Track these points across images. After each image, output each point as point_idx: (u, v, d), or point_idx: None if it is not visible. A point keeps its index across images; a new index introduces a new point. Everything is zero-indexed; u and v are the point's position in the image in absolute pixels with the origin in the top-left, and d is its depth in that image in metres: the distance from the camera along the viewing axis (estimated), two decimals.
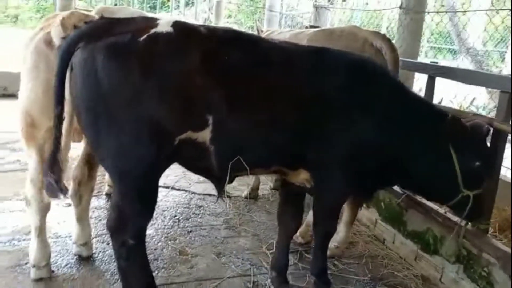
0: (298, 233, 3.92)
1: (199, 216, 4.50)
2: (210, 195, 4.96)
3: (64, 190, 2.58)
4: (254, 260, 3.80)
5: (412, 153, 2.95)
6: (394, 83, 3.08)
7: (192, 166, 2.88)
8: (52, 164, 2.54)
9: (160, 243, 3.90)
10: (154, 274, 3.40)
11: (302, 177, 2.99)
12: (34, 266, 3.14)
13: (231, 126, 2.60)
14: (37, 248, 3.13)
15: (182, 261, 3.67)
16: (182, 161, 2.77)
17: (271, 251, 3.91)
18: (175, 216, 4.44)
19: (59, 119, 2.50)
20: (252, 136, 2.68)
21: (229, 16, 16.62)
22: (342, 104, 2.80)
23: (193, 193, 5.03)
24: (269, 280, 3.45)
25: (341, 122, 2.80)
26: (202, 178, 3.06)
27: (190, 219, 4.41)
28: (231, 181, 2.82)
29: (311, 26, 5.77)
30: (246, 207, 4.82)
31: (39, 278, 3.15)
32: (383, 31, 9.26)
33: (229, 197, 4.99)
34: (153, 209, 2.70)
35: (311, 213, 3.70)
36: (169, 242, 3.94)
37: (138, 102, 2.40)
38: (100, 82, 2.39)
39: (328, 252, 3.91)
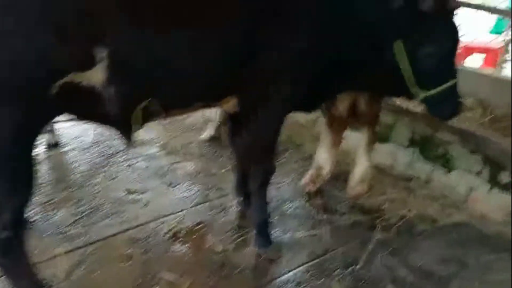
0: (307, 180, 3.43)
1: (132, 147, 3.98)
2: None
3: None
4: (210, 182, 3.49)
5: (355, 51, 2.40)
6: None
7: (84, 115, 2.16)
8: None
9: (98, 186, 3.38)
10: (105, 222, 2.99)
11: (229, 104, 2.47)
12: None
13: (138, 56, 1.90)
14: None
15: (132, 201, 3.23)
16: (69, 111, 2.08)
17: (223, 170, 3.63)
18: (105, 152, 3.86)
19: None
20: (171, 67, 2.02)
21: None
22: (272, 6, 2.20)
23: None
24: (235, 202, 3.20)
25: (274, 28, 2.20)
26: None
27: (121, 152, 3.87)
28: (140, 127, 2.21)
29: None
30: (179, 128, 4.35)
31: None
32: None
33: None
34: (31, 186, 2.02)
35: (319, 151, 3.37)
36: (110, 182, 3.44)
37: None
38: None
39: (352, 192, 3.44)
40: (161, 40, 1.94)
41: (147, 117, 2.12)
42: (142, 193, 3.33)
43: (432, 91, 2.41)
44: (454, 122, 3.29)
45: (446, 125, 3.27)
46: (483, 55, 5.33)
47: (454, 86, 2.45)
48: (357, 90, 2.84)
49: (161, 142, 4.04)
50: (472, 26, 5.20)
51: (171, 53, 1.98)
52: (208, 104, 2.47)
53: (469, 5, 3.14)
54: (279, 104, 2.41)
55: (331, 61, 2.38)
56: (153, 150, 3.94)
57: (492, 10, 3.22)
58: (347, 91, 2.83)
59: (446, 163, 3.38)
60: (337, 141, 3.32)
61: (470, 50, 5.32)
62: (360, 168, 3.35)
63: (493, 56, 5.24)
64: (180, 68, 2.04)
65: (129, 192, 3.33)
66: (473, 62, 5.35)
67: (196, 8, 1.99)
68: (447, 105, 2.49)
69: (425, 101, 2.49)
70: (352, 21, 2.32)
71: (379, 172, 3.75)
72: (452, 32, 2.38)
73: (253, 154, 2.63)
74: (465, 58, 5.35)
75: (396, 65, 2.36)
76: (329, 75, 2.44)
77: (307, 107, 2.75)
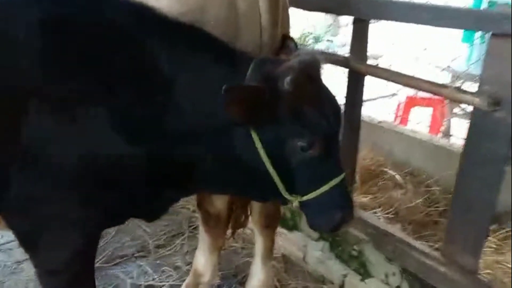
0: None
1: None
2: None
3: None
4: None
5: (192, 147, 1.68)
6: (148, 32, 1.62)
7: None
8: None
9: None
10: None
11: None
12: None
13: None
14: None
15: None
16: None
17: None
18: None
19: None
20: None
21: None
22: (47, 93, 1.52)
23: None
24: None
25: (56, 125, 1.55)
26: None
27: None
28: None
29: None
30: None
31: None
32: None
33: None
34: None
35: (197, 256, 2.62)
36: None
37: None
38: None
39: None
40: None
41: None
42: None
43: (307, 197, 1.68)
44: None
45: (357, 219, 2.54)
46: (429, 108, 4.70)
47: (338, 187, 1.69)
48: (213, 192, 2.10)
49: None
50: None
51: None
52: None
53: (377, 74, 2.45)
54: (70, 225, 1.65)
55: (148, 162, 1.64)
56: (5, 239, 3.12)
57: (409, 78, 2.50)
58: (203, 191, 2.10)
59: (361, 268, 2.64)
60: (217, 243, 2.55)
61: (412, 103, 4.67)
62: (255, 284, 2.60)
63: (439, 111, 4.59)
64: None
65: None
66: (418, 117, 4.69)
67: None
68: (326, 214, 1.72)
69: (302, 208, 1.75)
70: (175, 113, 1.60)
71: (287, 265, 3.02)
72: (325, 119, 1.61)
73: None
74: (407, 112, 4.71)
75: (254, 163, 1.63)
76: (153, 178, 1.69)
77: (141, 216, 1.98)
